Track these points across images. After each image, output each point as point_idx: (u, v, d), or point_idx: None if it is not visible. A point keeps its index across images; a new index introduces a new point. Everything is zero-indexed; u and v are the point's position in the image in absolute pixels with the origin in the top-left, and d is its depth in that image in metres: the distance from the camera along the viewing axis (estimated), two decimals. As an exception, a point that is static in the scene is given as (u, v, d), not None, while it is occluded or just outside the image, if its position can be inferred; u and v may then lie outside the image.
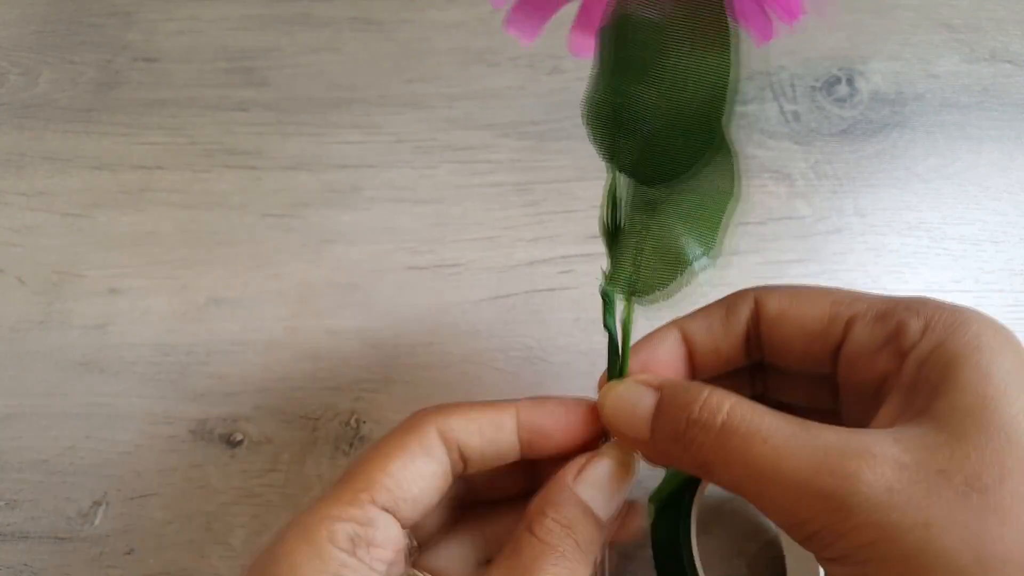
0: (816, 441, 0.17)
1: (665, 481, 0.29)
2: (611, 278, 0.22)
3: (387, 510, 0.21)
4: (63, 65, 0.41)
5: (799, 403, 0.25)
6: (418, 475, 0.21)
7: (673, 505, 0.28)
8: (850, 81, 0.40)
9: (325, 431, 0.34)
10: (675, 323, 0.24)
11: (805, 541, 0.18)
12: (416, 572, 0.23)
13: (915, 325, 0.20)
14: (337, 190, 0.38)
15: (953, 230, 0.37)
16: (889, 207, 0.38)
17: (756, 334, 0.23)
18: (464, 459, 0.22)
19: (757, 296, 0.23)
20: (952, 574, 0.16)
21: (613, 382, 0.22)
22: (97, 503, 0.32)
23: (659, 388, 0.21)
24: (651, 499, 0.29)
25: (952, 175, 0.38)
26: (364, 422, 0.34)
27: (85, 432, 0.34)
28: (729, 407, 0.19)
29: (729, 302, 0.23)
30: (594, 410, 0.23)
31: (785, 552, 0.30)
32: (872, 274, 0.36)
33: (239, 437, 0.33)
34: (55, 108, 0.40)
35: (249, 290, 0.36)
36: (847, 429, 0.18)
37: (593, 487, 0.21)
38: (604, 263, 0.22)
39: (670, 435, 0.20)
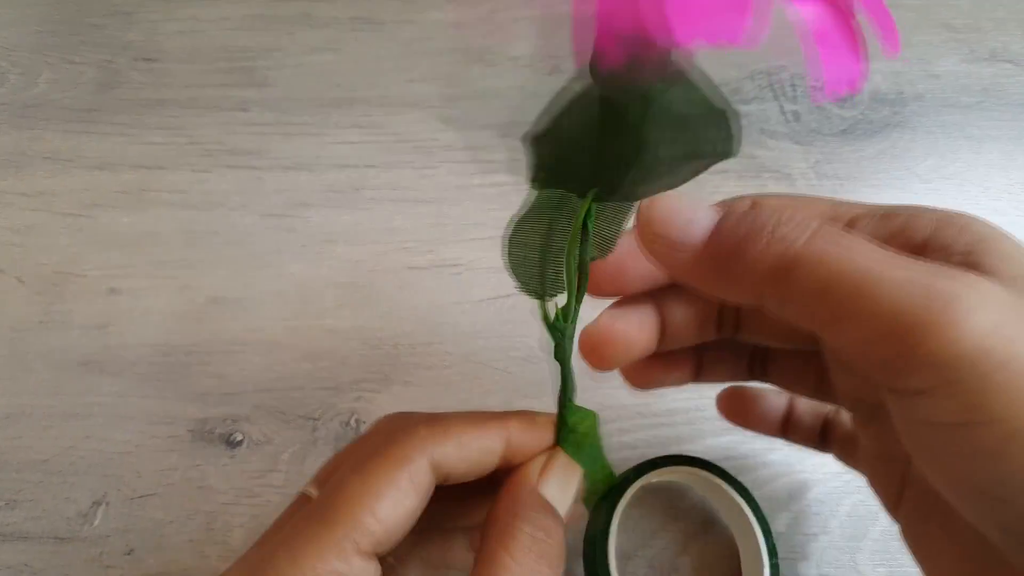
0: (916, 263, 0.15)
1: (590, 483, 0.28)
2: (567, 315, 0.21)
3: (369, 555, 0.19)
4: (63, 65, 0.41)
5: (789, 386, 0.25)
6: (404, 515, 0.20)
7: (600, 503, 0.28)
8: (850, 81, 0.40)
9: (325, 431, 0.34)
10: (649, 294, 0.22)
11: (877, 366, 0.16)
12: None
13: (926, 218, 0.19)
14: (337, 190, 0.38)
15: (953, 230, 0.37)
16: (889, 207, 0.38)
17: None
18: (445, 478, 0.21)
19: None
20: None
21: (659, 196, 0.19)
22: (97, 503, 0.32)
23: (719, 210, 0.18)
24: (584, 501, 0.29)
25: (952, 175, 0.38)
26: (364, 422, 0.34)
27: (85, 432, 0.34)
28: (817, 224, 0.16)
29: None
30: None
31: (741, 558, 0.29)
32: (872, 274, 0.36)
33: (239, 437, 0.33)
34: (55, 108, 0.40)
35: (249, 290, 0.36)
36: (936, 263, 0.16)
37: (554, 486, 0.21)
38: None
39: (735, 248, 0.17)
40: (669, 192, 0.18)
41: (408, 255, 0.37)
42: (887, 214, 0.19)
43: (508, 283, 0.37)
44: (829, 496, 0.31)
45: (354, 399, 0.34)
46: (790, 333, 0.22)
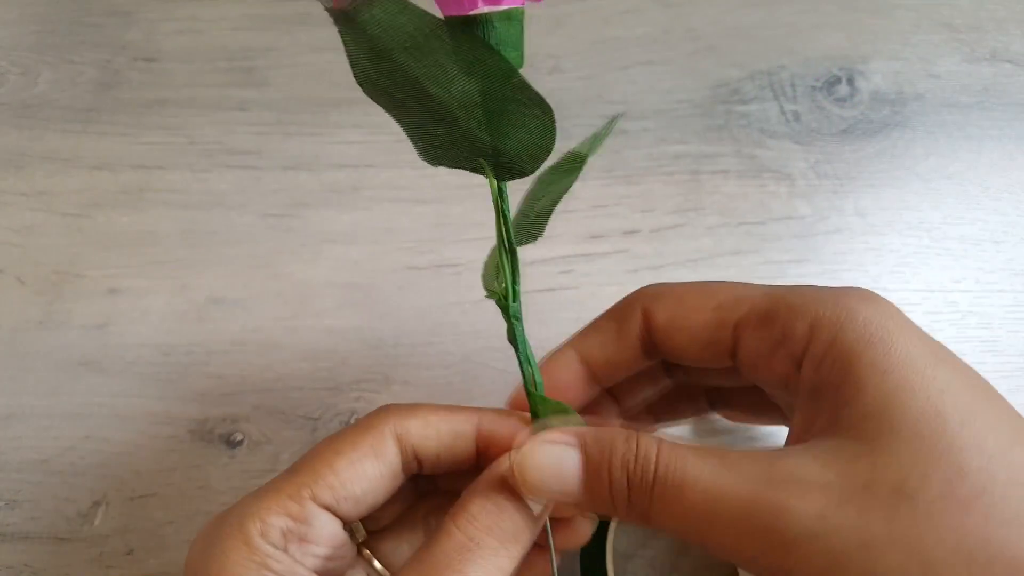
0: (743, 475, 0.17)
1: None
2: (517, 290, 0.22)
3: (327, 507, 0.21)
4: (63, 65, 0.41)
5: (721, 383, 0.25)
6: (364, 475, 0.21)
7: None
8: (850, 81, 0.40)
9: (325, 431, 0.34)
10: (569, 344, 0.24)
11: (760, 574, 0.18)
12: (368, 553, 0.24)
13: (800, 328, 0.19)
14: (337, 190, 0.38)
15: (953, 230, 0.37)
16: (889, 207, 0.37)
17: (650, 341, 0.23)
18: (419, 461, 0.22)
19: (644, 306, 0.23)
20: None
21: (526, 447, 0.20)
22: (97, 503, 0.32)
23: (580, 444, 0.20)
24: None
25: (952, 175, 0.38)
26: (364, 422, 0.34)
27: (85, 432, 0.34)
28: (656, 454, 0.18)
29: (619, 315, 0.23)
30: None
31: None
32: (872, 274, 0.36)
33: (239, 437, 0.33)
34: (55, 108, 0.40)
35: (249, 290, 0.36)
36: (769, 454, 0.18)
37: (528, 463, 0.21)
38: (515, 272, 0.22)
39: (607, 493, 0.19)
40: (533, 446, 0.20)
41: (408, 255, 0.37)
42: (765, 318, 0.20)
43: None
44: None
45: (354, 399, 0.34)
46: (711, 362, 0.23)
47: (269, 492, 0.21)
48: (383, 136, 0.39)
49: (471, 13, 0.17)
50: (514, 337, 0.22)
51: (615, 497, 0.19)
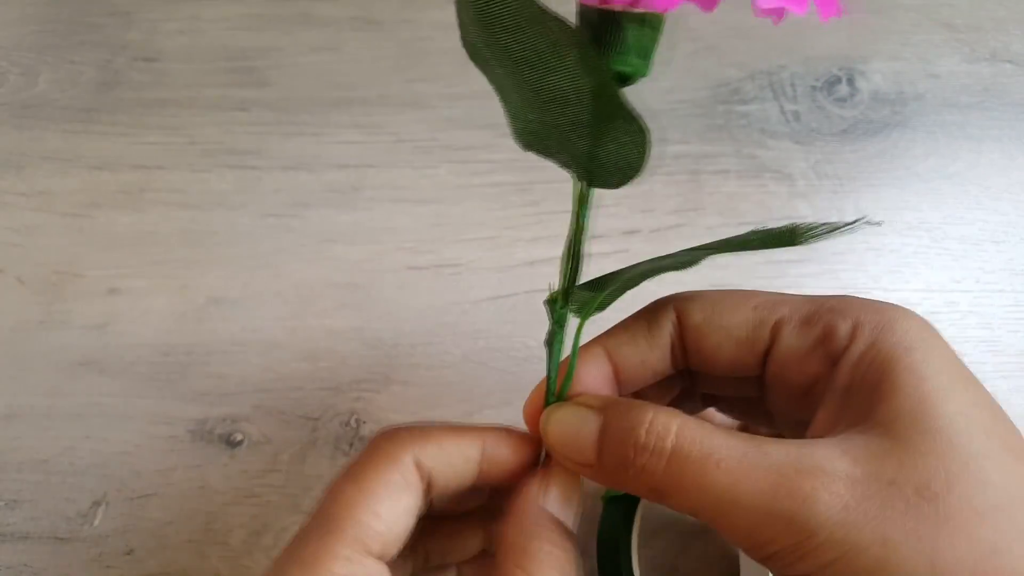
0: (768, 460, 0.17)
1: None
2: (570, 296, 0.21)
3: (378, 557, 0.20)
4: (63, 65, 0.41)
5: (726, 395, 0.25)
6: (403, 512, 0.20)
7: (619, 500, 0.27)
8: (850, 81, 0.40)
9: (325, 431, 0.34)
10: (598, 341, 0.23)
11: (766, 560, 0.18)
12: None
13: (843, 328, 0.20)
14: (337, 190, 0.38)
15: (954, 230, 0.37)
16: (890, 207, 0.37)
17: (681, 344, 0.23)
18: (430, 486, 0.22)
19: (677, 307, 0.23)
20: None
21: (554, 406, 0.21)
22: (97, 503, 0.32)
23: (602, 410, 0.20)
24: (604, 495, 0.29)
25: (952, 175, 0.38)
26: (364, 422, 0.34)
27: (85, 432, 0.34)
28: (677, 429, 0.18)
29: (650, 315, 0.23)
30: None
31: (740, 559, 0.29)
32: (872, 274, 0.36)
33: (239, 437, 0.33)
34: (55, 108, 0.40)
35: (249, 290, 0.36)
36: (796, 443, 0.18)
37: (559, 502, 0.21)
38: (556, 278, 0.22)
39: (618, 462, 0.19)
40: (559, 406, 0.21)
41: (408, 255, 0.37)
42: (808, 318, 0.21)
43: (508, 283, 0.37)
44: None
45: (354, 399, 0.34)
46: (740, 366, 0.23)
47: (319, 557, 0.19)
48: (383, 136, 0.39)
49: (606, 7, 0.16)
50: (551, 342, 0.22)
51: (625, 466, 0.19)
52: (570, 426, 0.21)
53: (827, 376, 0.20)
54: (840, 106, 0.40)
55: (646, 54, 0.18)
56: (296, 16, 0.43)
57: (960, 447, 0.17)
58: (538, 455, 0.23)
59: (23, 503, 0.32)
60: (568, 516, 0.21)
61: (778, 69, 0.41)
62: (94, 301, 0.36)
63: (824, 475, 0.17)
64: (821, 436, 0.19)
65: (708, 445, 0.18)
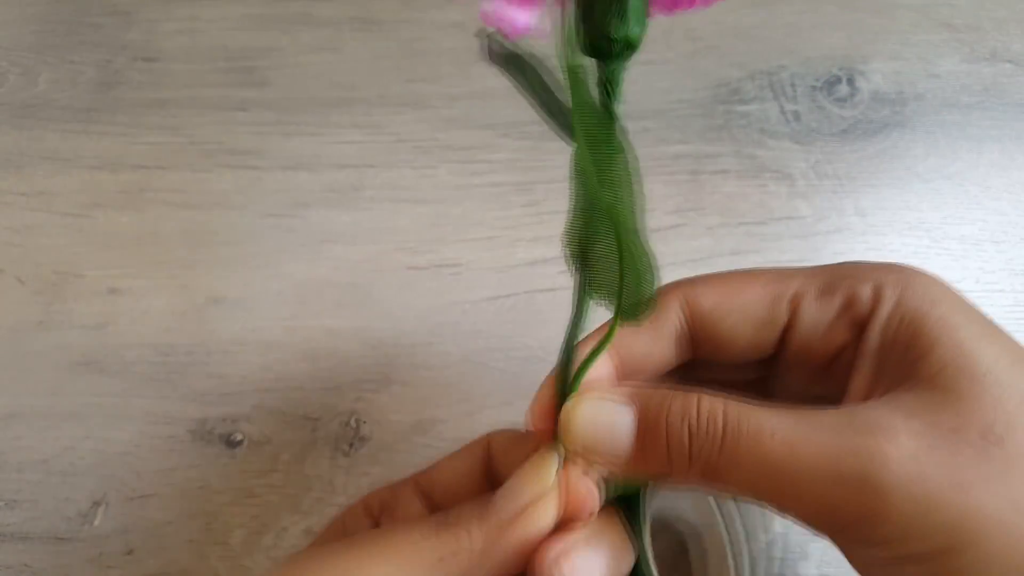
0: (823, 425, 0.17)
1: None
2: (596, 286, 0.20)
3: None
4: (62, 65, 0.41)
5: (721, 380, 0.24)
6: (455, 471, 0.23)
7: (620, 500, 0.27)
8: (850, 81, 0.40)
9: (325, 431, 0.34)
10: (600, 335, 0.22)
11: (837, 533, 0.17)
12: None
13: (865, 292, 0.20)
14: (337, 190, 0.38)
15: (954, 230, 0.37)
16: (890, 207, 0.37)
17: (689, 334, 0.22)
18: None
19: (684, 295, 0.22)
20: (1000, 529, 0.16)
21: (573, 402, 0.20)
22: (97, 503, 0.32)
23: (633, 401, 0.19)
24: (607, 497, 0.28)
25: (953, 175, 0.38)
26: (364, 422, 0.34)
27: (84, 432, 0.34)
28: (724, 408, 0.18)
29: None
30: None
31: (732, 559, 0.29)
32: (872, 274, 0.36)
33: (239, 437, 0.33)
34: (55, 108, 0.40)
35: (249, 290, 0.36)
36: (845, 408, 0.17)
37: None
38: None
39: (664, 451, 0.18)
40: (581, 400, 0.20)
41: (408, 255, 0.37)
42: (825, 288, 0.20)
43: (508, 283, 0.37)
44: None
45: (354, 399, 0.34)
46: (757, 347, 0.22)
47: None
48: (383, 136, 0.39)
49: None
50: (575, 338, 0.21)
51: (674, 454, 0.18)
52: (601, 422, 0.19)
53: (854, 343, 0.20)
54: (840, 106, 0.40)
55: (642, 19, 0.18)
56: (296, 16, 0.43)
57: (1011, 387, 0.17)
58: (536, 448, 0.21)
59: (23, 503, 0.32)
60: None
61: (778, 69, 0.41)
62: (94, 301, 0.36)
63: (885, 431, 0.16)
64: (858, 399, 0.19)
65: (758, 419, 0.17)
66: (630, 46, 0.17)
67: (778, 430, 0.17)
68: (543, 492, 0.20)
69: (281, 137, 0.39)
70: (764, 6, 0.42)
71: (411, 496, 0.23)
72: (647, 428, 0.19)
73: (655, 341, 0.22)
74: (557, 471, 0.20)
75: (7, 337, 0.35)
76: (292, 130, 0.40)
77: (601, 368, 0.22)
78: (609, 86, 0.18)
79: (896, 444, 0.16)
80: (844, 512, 0.16)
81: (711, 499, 0.28)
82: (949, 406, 0.17)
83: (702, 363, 0.24)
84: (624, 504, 0.27)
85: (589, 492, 0.20)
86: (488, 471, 0.23)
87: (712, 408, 0.18)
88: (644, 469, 0.19)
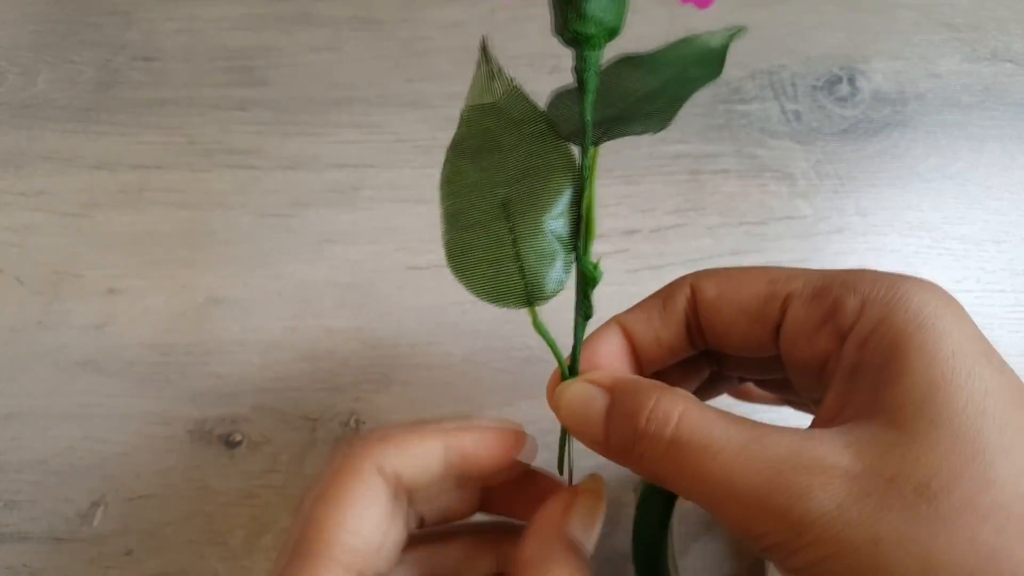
0: (767, 454, 0.17)
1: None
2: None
3: (364, 573, 0.20)
4: (62, 64, 0.41)
5: (753, 377, 0.25)
6: (379, 522, 0.20)
7: (654, 498, 0.27)
8: (851, 80, 0.40)
9: (324, 432, 0.33)
10: (614, 319, 0.23)
11: (762, 552, 0.18)
12: None
13: (851, 303, 0.19)
14: (337, 190, 0.38)
15: (954, 230, 0.37)
16: (890, 207, 0.37)
17: (696, 321, 0.22)
18: (398, 483, 0.21)
19: (693, 282, 0.22)
20: None
21: (567, 382, 0.21)
22: (96, 504, 0.32)
23: (611, 388, 0.20)
24: (641, 488, 0.28)
25: (953, 175, 0.38)
26: (364, 422, 0.34)
27: (84, 432, 0.34)
28: (679, 415, 0.18)
29: (666, 292, 0.23)
30: (519, 434, 0.22)
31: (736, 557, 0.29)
32: (873, 274, 0.36)
33: (238, 438, 0.33)
34: (54, 108, 0.40)
35: (248, 290, 0.36)
36: (800, 434, 0.17)
37: (581, 527, 0.21)
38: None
39: (623, 443, 0.19)
40: (571, 383, 0.21)
41: (408, 255, 0.37)
42: (818, 292, 0.20)
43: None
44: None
45: (354, 399, 0.34)
46: (753, 342, 0.22)
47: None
48: (383, 136, 0.39)
49: None
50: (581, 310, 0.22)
51: (628, 448, 0.19)
52: (580, 403, 0.20)
53: (835, 355, 0.19)
54: (841, 105, 0.40)
55: (600, 16, 0.18)
56: (296, 16, 0.42)
57: (967, 441, 0.16)
58: (517, 445, 0.22)
59: (22, 503, 0.32)
60: (588, 541, 0.21)
61: (779, 68, 0.41)
62: (93, 301, 0.36)
63: (821, 471, 0.16)
64: (830, 420, 0.18)
65: (708, 435, 0.18)
66: (587, 39, 0.18)
67: (722, 450, 0.17)
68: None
69: (280, 137, 0.39)
70: (765, 6, 0.42)
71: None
72: (612, 417, 0.20)
73: (664, 326, 0.23)
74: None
75: (6, 337, 0.35)
76: (292, 130, 0.40)
77: (613, 349, 0.23)
78: (578, 73, 0.19)
79: (825, 488, 0.16)
80: (767, 539, 0.17)
81: None
82: (897, 450, 0.16)
83: (731, 359, 0.24)
84: (656, 500, 0.27)
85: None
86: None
87: (667, 410, 0.18)
88: (613, 457, 0.20)
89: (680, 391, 0.19)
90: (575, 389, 0.21)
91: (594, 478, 0.23)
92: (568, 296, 0.22)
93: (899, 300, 0.18)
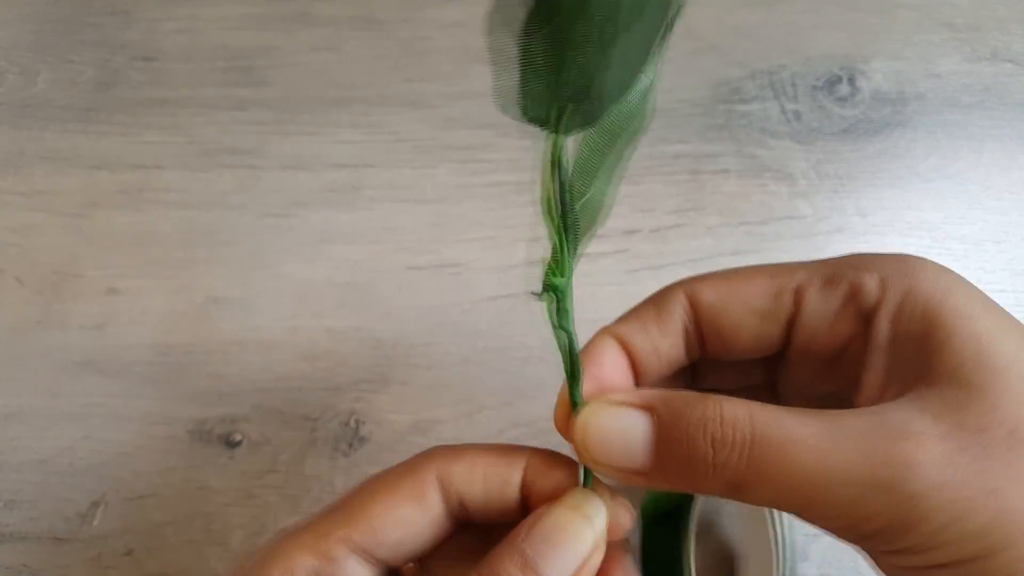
0: (852, 432, 0.16)
1: (658, 492, 0.28)
2: (560, 269, 0.19)
3: (362, 550, 0.19)
4: (62, 64, 0.41)
5: (728, 387, 0.24)
6: (401, 521, 0.20)
7: (668, 518, 0.27)
8: (851, 80, 0.40)
9: (324, 431, 0.33)
10: (607, 331, 0.22)
11: (866, 541, 0.17)
12: None
13: (870, 282, 0.19)
14: (337, 190, 0.38)
15: (954, 230, 0.37)
16: (890, 207, 0.37)
17: (696, 328, 0.21)
18: (466, 507, 0.20)
19: (686, 290, 0.21)
20: None
21: (587, 411, 0.19)
22: (96, 504, 0.32)
23: (650, 408, 0.18)
24: (642, 510, 0.28)
25: (953, 175, 0.38)
26: (363, 422, 0.34)
27: (84, 432, 0.34)
28: (752, 415, 0.17)
29: (657, 300, 0.22)
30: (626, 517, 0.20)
31: (738, 560, 0.29)
32: (873, 274, 0.36)
33: (238, 438, 0.33)
34: (54, 108, 0.40)
35: (248, 290, 0.36)
36: (870, 410, 0.17)
37: (545, 543, 0.19)
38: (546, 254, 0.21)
39: (684, 462, 0.17)
40: (596, 409, 0.19)
41: (408, 255, 0.37)
42: (830, 279, 0.20)
43: (508, 283, 0.37)
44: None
45: (353, 399, 0.34)
46: (761, 342, 0.21)
47: (301, 531, 0.19)
48: (383, 136, 0.39)
49: None
50: (567, 324, 0.19)
51: (695, 465, 0.17)
52: (615, 431, 0.18)
53: (861, 336, 0.19)
54: (841, 105, 0.40)
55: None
56: (296, 15, 0.42)
57: None
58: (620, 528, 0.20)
59: (22, 503, 0.32)
60: (552, 560, 0.19)
61: (779, 68, 0.40)
62: (93, 301, 0.36)
63: (915, 436, 0.16)
64: (874, 397, 0.18)
65: (786, 427, 0.16)
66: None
67: (806, 438, 0.16)
68: (588, 556, 0.19)
69: (280, 137, 0.39)
70: (765, 5, 0.42)
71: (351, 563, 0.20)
72: (665, 437, 0.18)
73: (662, 336, 0.21)
74: (600, 529, 0.19)
75: (6, 337, 0.35)
76: (291, 130, 0.40)
77: (615, 367, 0.21)
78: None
79: (926, 450, 0.16)
80: (875, 521, 0.16)
81: (767, 520, 0.27)
82: (973, 404, 0.16)
83: (708, 369, 0.24)
84: (668, 521, 0.26)
85: (625, 514, 0.20)
86: (455, 516, 0.21)
87: (736, 415, 0.17)
88: (663, 481, 0.18)
89: (729, 396, 0.18)
90: (605, 416, 0.19)
91: (583, 493, 0.20)
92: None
93: (915, 273, 0.19)
